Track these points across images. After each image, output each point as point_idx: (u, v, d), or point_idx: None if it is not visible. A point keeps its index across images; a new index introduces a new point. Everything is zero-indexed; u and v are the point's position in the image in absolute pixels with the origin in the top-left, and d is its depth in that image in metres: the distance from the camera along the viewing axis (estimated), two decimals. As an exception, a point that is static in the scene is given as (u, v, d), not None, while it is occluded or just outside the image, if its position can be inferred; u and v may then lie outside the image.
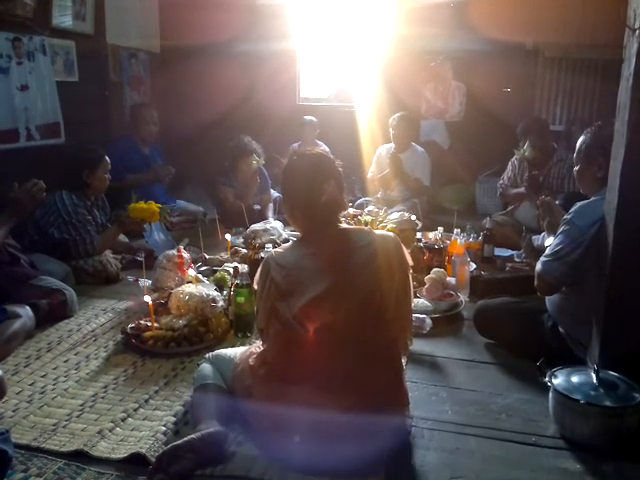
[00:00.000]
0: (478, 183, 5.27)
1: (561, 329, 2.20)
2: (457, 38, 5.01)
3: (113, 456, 1.67)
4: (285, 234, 3.71)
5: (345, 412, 1.60)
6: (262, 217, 4.30)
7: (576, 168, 2.25)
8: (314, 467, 1.58)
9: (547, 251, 2.14)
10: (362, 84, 5.35)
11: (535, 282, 2.18)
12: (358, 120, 5.04)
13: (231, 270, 2.90)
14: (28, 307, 2.48)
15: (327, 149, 4.25)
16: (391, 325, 1.70)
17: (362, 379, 1.64)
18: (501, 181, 4.19)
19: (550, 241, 2.22)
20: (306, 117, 5.03)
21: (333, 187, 1.76)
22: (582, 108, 5.20)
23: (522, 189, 3.91)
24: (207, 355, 2.00)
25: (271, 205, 4.61)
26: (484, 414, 1.94)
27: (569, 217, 2.06)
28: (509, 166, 4.13)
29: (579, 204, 2.09)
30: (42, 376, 2.18)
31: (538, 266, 2.16)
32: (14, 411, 1.92)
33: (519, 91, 5.18)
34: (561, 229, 2.08)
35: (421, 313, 2.62)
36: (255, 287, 1.82)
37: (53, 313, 2.64)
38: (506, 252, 3.66)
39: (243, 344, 2.33)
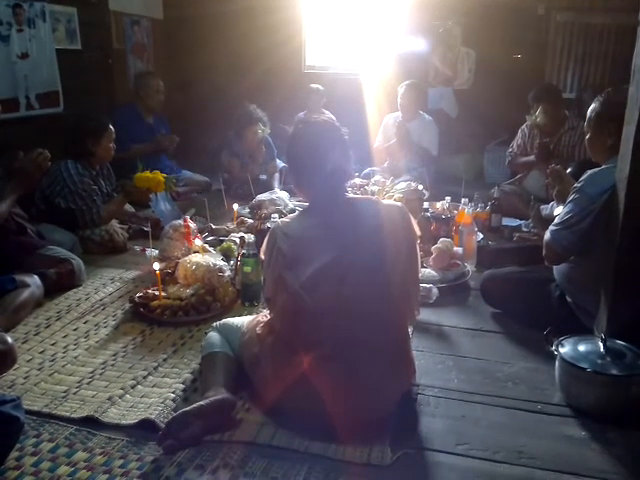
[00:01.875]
0: (486, 152, 5.21)
1: (568, 298, 2.20)
2: (467, 2, 4.88)
3: (123, 422, 1.69)
4: (291, 204, 3.70)
5: (351, 380, 1.61)
6: (268, 187, 4.28)
7: (587, 136, 2.21)
8: (320, 433, 1.60)
9: (556, 220, 2.12)
10: (369, 52, 5.25)
11: (543, 251, 2.17)
12: (364, 88, 4.96)
13: (237, 240, 2.90)
14: (36, 276, 2.49)
15: (333, 118, 4.21)
16: (398, 295, 1.70)
17: (369, 348, 1.65)
18: (510, 149, 4.12)
19: (559, 210, 2.20)
20: (312, 85, 4.95)
21: (339, 156, 1.74)
22: (594, 74, 5.09)
23: (532, 157, 3.85)
24: (215, 324, 2.01)
25: (277, 175, 4.58)
26: (490, 382, 1.95)
27: (579, 185, 2.03)
28: (519, 133, 4.06)
29: (590, 172, 2.05)
30: (52, 344, 2.20)
31: (547, 235, 2.14)
32: (25, 378, 1.95)
33: (530, 57, 5.07)
34: (571, 197, 2.05)
35: (428, 283, 2.63)
36: (262, 257, 1.82)
37: (61, 282, 2.66)
38: (514, 222, 3.64)
39: (250, 313, 2.34)
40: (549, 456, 1.58)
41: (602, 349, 1.77)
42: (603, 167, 2.07)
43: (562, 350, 1.83)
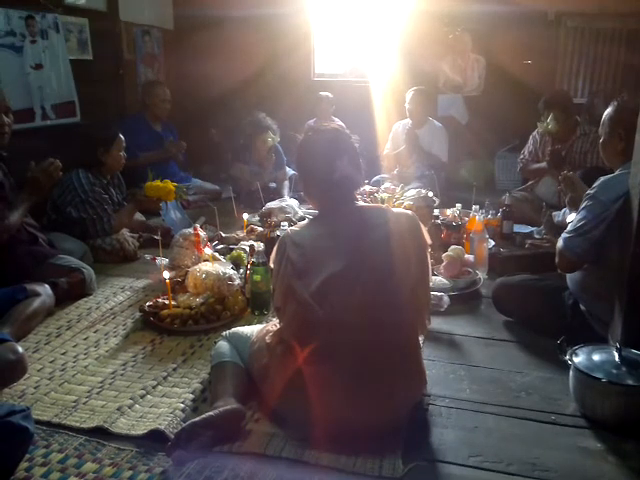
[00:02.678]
0: (497, 159, 5.18)
1: (582, 306, 2.17)
2: (476, 9, 4.87)
3: (132, 432, 1.69)
4: (301, 212, 3.70)
5: (362, 391, 1.60)
6: (278, 195, 4.28)
7: (601, 140, 2.19)
8: (331, 444, 1.58)
9: (569, 227, 2.09)
10: (378, 59, 5.25)
11: (556, 259, 2.14)
12: (374, 96, 4.96)
13: (247, 248, 2.90)
14: (47, 286, 2.50)
15: (343, 125, 4.20)
16: (408, 304, 1.68)
17: (379, 358, 1.63)
18: (522, 156, 4.09)
19: (572, 217, 2.17)
20: (322, 93, 4.97)
21: (348, 163, 1.73)
22: (605, 80, 5.05)
23: (543, 164, 3.82)
24: (224, 333, 2.00)
25: (287, 183, 4.58)
26: (503, 392, 1.92)
27: (592, 192, 2.01)
28: (530, 140, 4.03)
29: (603, 178, 2.03)
30: (62, 353, 2.20)
31: (559, 242, 2.12)
32: (35, 388, 1.95)
33: (540, 63, 5.04)
34: (584, 204, 2.03)
35: (439, 291, 2.60)
36: (271, 265, 1.81)
37: (72, 291, 2.67)
38: (526, 228, 3.61)
39: (260, 322, 2.33)
40: (564, 468, 1.55)
41: (617, 358, 1.74)
42: (616, 173, 2.04)
43: (576, 359, 1.79)
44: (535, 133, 3.98)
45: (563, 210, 3.05)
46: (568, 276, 2.21)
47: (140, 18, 4.89)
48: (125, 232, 3.37)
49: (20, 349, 1.98)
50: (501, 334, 2.36)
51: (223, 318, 2.41)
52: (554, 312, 2.24)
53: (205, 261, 2.70)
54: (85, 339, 2.33)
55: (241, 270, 2.71)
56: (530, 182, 4.10)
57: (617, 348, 1.76)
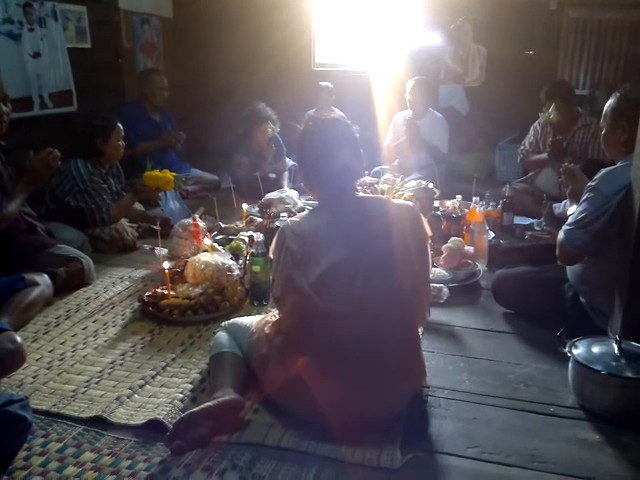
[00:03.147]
0: (498, 150, 5.16)
1: (582, 299, 2.16)
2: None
3: (131, 422, 1.68)
4: (300, 203, 3.69)
5: (361, 382, 1.59)
6: (277, 186, 4.27)
7: (602, 132, 2.17)
8: (329, 435, 1.58)
9: (570, 219, 2.08)
10: (379, 49, 5.21)
11: (557, 251, 2.13)
12: (374, 86, 4.93)
13: (246, 239, 2.89)
14: (46, 275, 2.49)
15: (343, 116, 4.18)
16: (408, 295, 1.67)
17: (379, 349, 1.62)
18: (522, 147, 4.07)
19: (573, 209, 2.16)
20: (322, 83, 4.93)
21: (349, 154, 1.72)
22: (607, 71, 5.02)
23: (544, 155, 3.80)
24: (223, 323, 2.00)
25: (286, 173, 4.56)
26: (502, 384, 1.92)
27: (594, 184, 2.00)
28: (531, 131, 4.01)
29: (605, 170, 2.01)
30: (61, 343, 2.20)
31: (560, 235, 2.11)
32: (34, 377, 1.95)
33: (542, 54, 5.01)
34: (585, 196, 2.02)
35: (438, 282, 2.60)
36: (271, 256, 1.80)
37: (71, 281, 2.66)
38: (526, 220, 3.60)
39: (259, 313, 2.33)
40: (562, 460, 1.55)
41: (616, 351, 1.73)
42: (618, 165, 2.03)
43: (575, 351, 1.79)
44: (536, 124, 3.96)
45: (564, 202, 3.04)
46: (568, 268, 2.21)
47: (139, 6, 4.85)
48: (124, 222, 3.36)
49: (19, 338, 1.97)
50: (500, 326, 2.36)
51: (222, 309, 2.41)
52: (554, 304, 2.24)
53: (204, 251, 2.69)
54: (84, 329, 2.32)
55: (240, 261, 2.70)
56: (531, 173, 4.08)
57: (616, 340, 1.76)
